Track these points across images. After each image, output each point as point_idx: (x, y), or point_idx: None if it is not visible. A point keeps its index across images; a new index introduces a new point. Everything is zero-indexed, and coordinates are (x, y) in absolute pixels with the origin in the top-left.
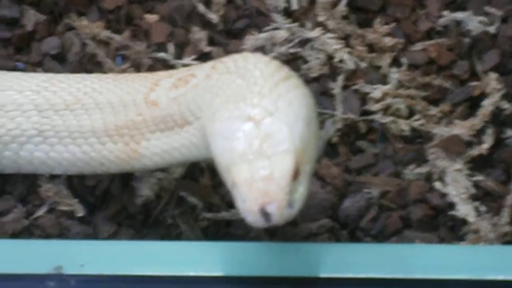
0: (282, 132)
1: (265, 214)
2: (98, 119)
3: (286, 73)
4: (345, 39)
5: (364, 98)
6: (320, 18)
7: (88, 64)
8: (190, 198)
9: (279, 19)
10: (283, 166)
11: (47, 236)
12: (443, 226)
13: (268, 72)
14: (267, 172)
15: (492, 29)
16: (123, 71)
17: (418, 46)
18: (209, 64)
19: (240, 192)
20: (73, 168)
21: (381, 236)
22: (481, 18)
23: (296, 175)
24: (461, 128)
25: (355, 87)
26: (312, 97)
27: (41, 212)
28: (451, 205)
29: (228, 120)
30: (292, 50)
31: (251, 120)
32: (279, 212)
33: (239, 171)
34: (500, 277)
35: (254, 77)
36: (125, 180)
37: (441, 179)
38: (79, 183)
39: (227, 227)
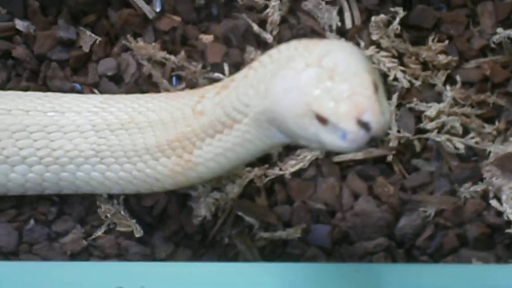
0: (346, 61)
1: (363, 125)
2: (150, 137)
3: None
4: (399, 57)
5: (419, 116)
6: (374, 37)
7: (144, 85)
8: (247, 218)
9: (333, 37)
10: (362, 81)
11: (106, 256)
12: (500, 244)
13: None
14: (350, 90)
15: None
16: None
17: (472, 63)
18: (246, 68)
19: (331, 121)
20: (129, 187)
21: (438, 255)
22: None
23: (375, 88)
24: None
25: (410, 105)
26: None
27: (99, 232)
28: (508, 223)
29: (286, 80)
30: None
31: (310, 66)
32: (376, 119)
33: (322, 106)
34: None
35: (294, 49)
36: (182, 200)
37: (497, 197)
38: (136, 204)
39: (284, 247)
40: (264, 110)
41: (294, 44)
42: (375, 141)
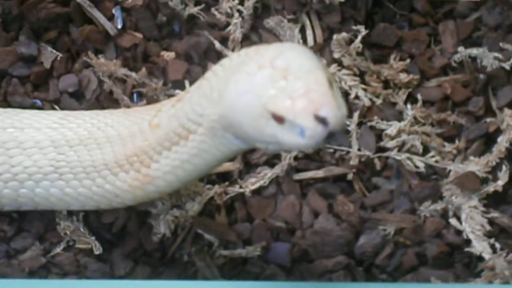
0: (298, 60)
1: (321, 120)
2: (109, 152)
3: None
4: (360, 75)
5: (379, 134)
6: (336, 55)
7: (105, 102)
8: (206, 235)
9: None
10: (316, 78)
11: (65, 274)
12: (459, 263)
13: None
14: (305, 87)
15: (507, 65)
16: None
17: (433, 82)
18: (199, 79)
19: (288, 119)
20: (89, 203)
21: (397, 273)
22: (496, 54)
23: (330, 84)
24: (476, 165)
25: (371, 123)
26: None
27: (58, 249)
28: (467, 242)
29: (239, 83)
30: None
31: (262, 68)
32: (333, 113)
33: (278, 105)
34: None
35: (244, 54)
36: (142, 217)
37: (456, 215)
38: (96, 221)
39: (244, 265)
40: (219, 117)
41: (244, 51)
42: (332, 138)
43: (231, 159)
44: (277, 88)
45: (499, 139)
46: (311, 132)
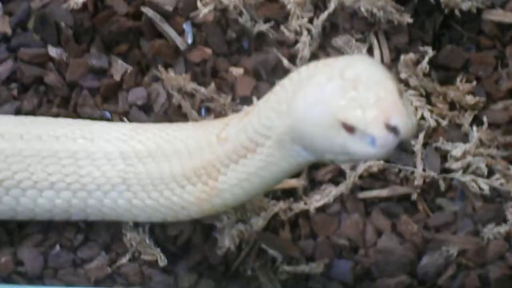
0: (367, 71)
1: (392, 129)
2: (176, 165)
3: None
4: (427, 96)
5: (444, 155)
6: (403, 75)
7: (173, 115)
8: (270, 250)
9: None
10: (386, 87)
11: (130, 284)
12: None
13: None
14: (375, 97)
15: None
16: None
17: (499, 105)
18: (268, 93)
19: (359, 128)
20: (156, 214)
21: None
22: None
23: (400, 93)
24: None
25: (436, 144)
26: None
27: (124, 260)
28: None
29: (309, 95)
30: None
31: (332, 79)
32: (404, 122)
33: (349, 115)
34: None
35: (313, 67)
36: (207, 231)
37: None
38: (161, 233)
39: (306, 281)
40: (288, 129)
41: (313, 64)
42: (403, 146)
43: (296, 175)
44: (348, 98)
45: None
46: (382, 141)
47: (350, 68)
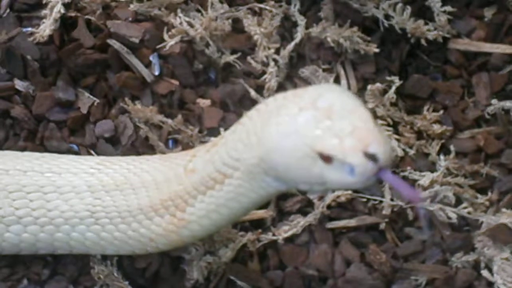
0: (339, 99)
1: (371, 157)
2: (144, 197)
3: None
4: (394, 126)
5: (412, 185)
6: (370, 105)
7: (141, 147)
8: (239, 282)
9: None
10: (361, 115)
11: None
12: None
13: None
14: (351, 126)
15: None
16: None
17: (466, 134)
18: (234, 124)
19: (337, 158)
20: (124, 247)
21: None
22: None
23: (374, 121)
24: (509, 217)
25: (404, 174)
26: None
27: None
28: None
29: (282, 126)
30: None
31: (304, 109)
32: (383, 149)
33: (326, 145)
34: None
35: (282, 98)
36: (175, 263)
37: (488, 267)
38: (129, 266)
39: None
40: (259, 161)
41: (281, 95)
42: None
43: (265, 206)
44: (323, 128)
45: None
46: (362, 169)
47: (321, 98)
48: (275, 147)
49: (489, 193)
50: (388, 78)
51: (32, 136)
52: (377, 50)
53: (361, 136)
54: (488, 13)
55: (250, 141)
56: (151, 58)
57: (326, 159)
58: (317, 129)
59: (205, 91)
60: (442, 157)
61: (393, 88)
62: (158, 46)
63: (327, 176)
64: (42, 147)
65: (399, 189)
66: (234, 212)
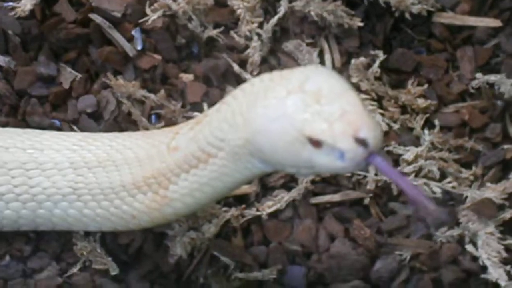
0: (328, 83)
1: (361, 142)
2: (126, 174)
3: None
4: (378, 100)
5: (396, 159)
6: (354, 79)
7: (123, 123)
8: (222, 257)
9: None
10: (350, 99)
11: None
12: None
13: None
14: (340, 110)
15: None
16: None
17: (451, 108)
18: (219, 102)
19: (327, 142)
20: (106, 224)
21: None
22: None
23: (363, 104)
24: (493, 191)
25: (388, 148)
26: None
27: (75, 270)
28: (483, 268)
29: (270, 109)
30: None
31: (292, 92)
32: (372, 134)
33: (315, 129)
34: None
35: (269, 80)
36: (158, 239)
37: (472, 242)
38: (112, 242)
39: (260, 287)
40: (245, 142)
41: (267, 76)
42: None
43: (248, 182)
44: (312, 112)
45: None
46: (352, 154)
47: (309, 81)
48: (262, 130)
49: (474, 168)
50: (372, 52)
51: (13, 112)
52: (361, 24)
53: (351, 120)
54: None
55: (236, 122)
56: (133, 33)
57: (316, 143)
58: (306, 113)
59: (188, 65)
60: (426, 131)
61: (377, 62)
62: (140, 21)
63: (316, 161)
64: (24, 123)
65: (387, 173)
66: (218, 191)
